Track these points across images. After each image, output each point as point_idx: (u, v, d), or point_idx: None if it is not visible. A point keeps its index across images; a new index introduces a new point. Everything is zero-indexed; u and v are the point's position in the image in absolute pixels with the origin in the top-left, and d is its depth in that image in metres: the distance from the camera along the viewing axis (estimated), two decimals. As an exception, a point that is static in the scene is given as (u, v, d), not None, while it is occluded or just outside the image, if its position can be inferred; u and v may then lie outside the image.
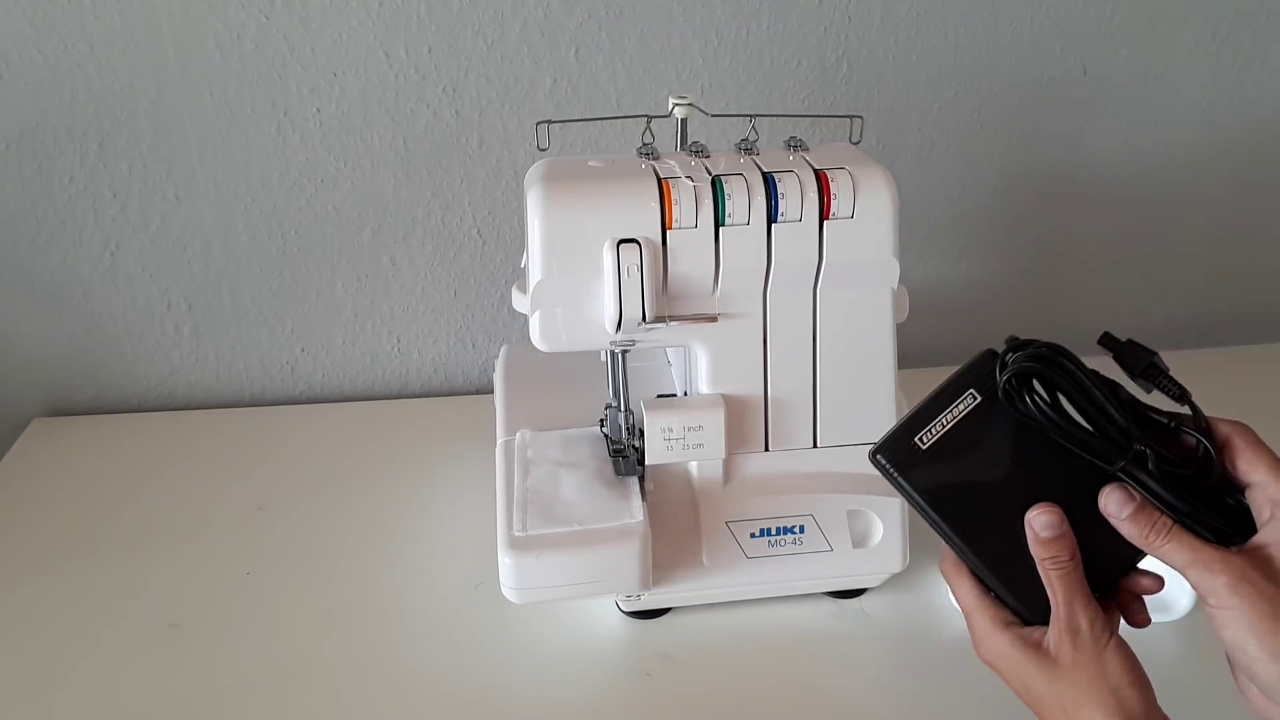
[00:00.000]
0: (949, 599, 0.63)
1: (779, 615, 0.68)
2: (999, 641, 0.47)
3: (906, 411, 0.49)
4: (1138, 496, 0.46)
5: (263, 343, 0.93)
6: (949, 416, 0.48)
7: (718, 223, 0.58)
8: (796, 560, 0.65)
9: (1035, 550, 0.47)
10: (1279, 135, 0.98)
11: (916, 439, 0.48)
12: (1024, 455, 0.48)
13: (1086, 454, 0.47)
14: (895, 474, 0.48)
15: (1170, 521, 0.46)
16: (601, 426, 0.68)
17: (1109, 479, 0.47)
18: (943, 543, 0.49)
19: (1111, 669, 0.45)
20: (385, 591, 0.71)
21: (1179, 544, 0.45)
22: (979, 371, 0.48)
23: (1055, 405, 0.47)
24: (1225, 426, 0.47)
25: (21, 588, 0.71)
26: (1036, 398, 0.47)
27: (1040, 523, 0.47)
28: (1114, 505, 0.46)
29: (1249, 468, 0.46)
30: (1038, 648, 0.46)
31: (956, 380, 0.48)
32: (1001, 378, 0.47)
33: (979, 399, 0.48)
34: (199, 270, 0.89)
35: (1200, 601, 0.45)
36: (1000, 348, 0.48)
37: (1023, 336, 0.48)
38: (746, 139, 0.62)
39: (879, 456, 0.48)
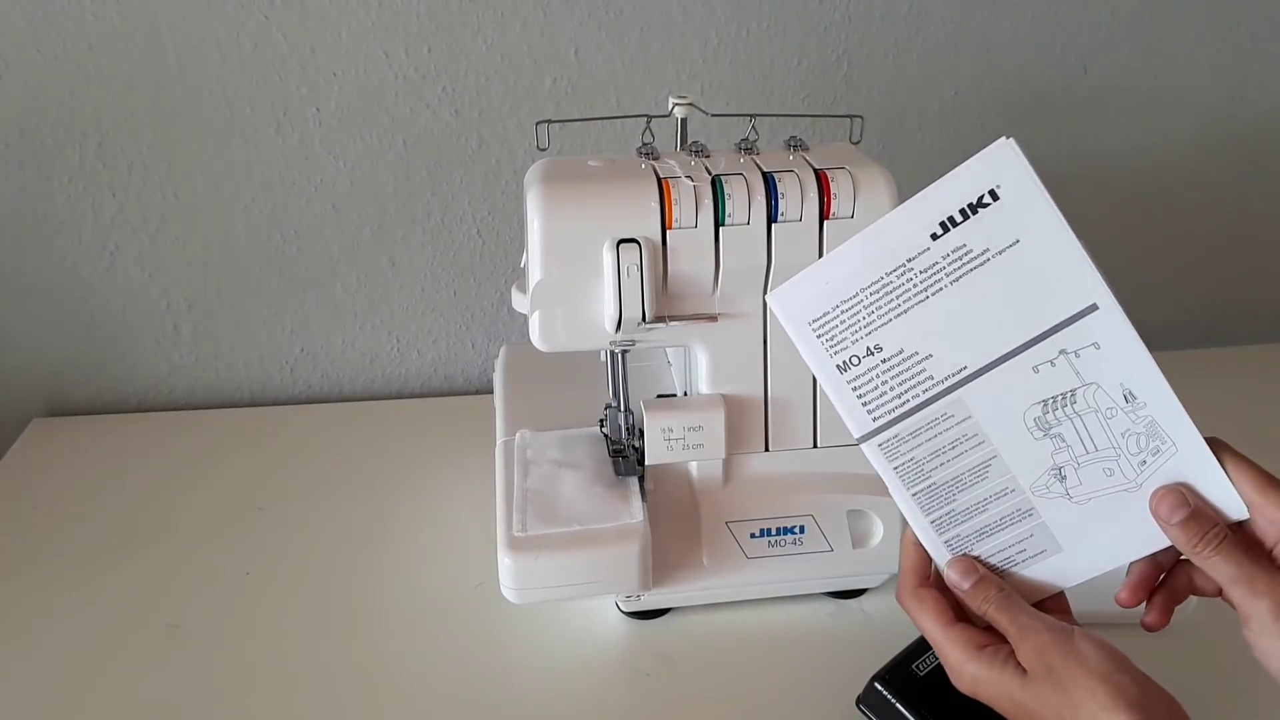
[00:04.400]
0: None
1: (779, 615, 0.67)
2: (975, 668, 0.46)
3: (900, 651, 0.57)
4: (1191, 502, 0.45)
5: (262, 343, 0.93)
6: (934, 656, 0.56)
7: (718, 223, 0.58)
8: (796, 560, 0.65)
9: (966, 601, 0.48)
10: (1279, 135, 0.98)
11: (914, 666, 0.56)
12: None
13: None
14: (894, 699, 0.55)
15: (1224, 531, 0.44)
16: (601, 426, 0.68)
17: None
18: (898, 572, 0.51)
19: (1091, 660, 0.43)
20: (385, 591, 0.71)
21: (1227, 558, 0.43)
22: None
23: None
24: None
25: (21, 588, 0.71)
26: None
27: (955, 577, 0.49)
28: (1165, 509, 0.45)
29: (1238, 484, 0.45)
30: (1016, 666, 0.45)
31: None
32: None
33: None
34: (199, 270, 0.89)
35: (1241, 622, 0.44)
36: None
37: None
38: (746, 139, 0.62)
39: (876, 684, 0.56)
